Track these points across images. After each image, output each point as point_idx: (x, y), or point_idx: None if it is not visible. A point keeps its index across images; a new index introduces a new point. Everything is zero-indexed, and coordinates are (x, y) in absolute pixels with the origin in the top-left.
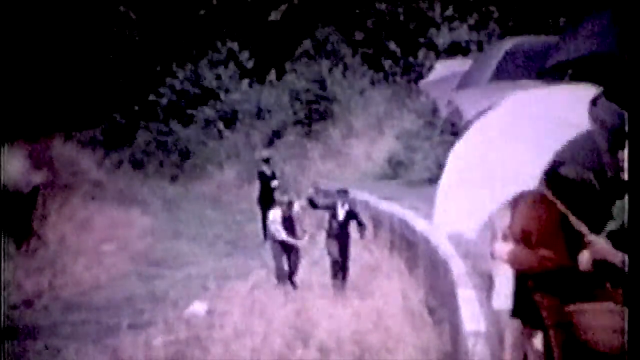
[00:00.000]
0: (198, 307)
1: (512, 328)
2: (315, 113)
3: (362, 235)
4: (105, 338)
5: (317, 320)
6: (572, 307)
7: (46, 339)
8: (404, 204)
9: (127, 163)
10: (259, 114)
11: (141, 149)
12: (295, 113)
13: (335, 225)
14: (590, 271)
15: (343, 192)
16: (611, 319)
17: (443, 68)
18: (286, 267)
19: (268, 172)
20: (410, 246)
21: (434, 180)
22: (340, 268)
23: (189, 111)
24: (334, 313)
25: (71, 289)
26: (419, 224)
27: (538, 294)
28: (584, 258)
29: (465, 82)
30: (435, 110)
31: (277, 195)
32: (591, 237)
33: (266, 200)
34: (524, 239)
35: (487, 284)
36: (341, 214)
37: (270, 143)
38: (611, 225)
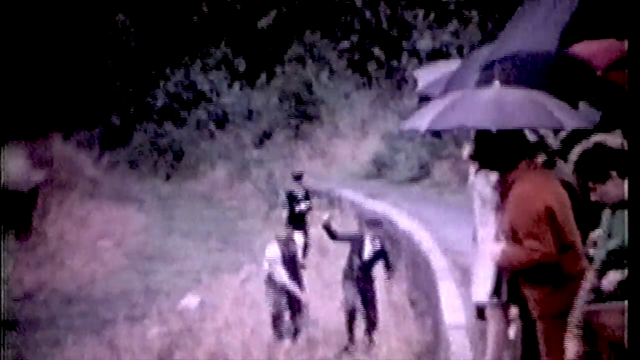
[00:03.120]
0: (191, 300)
1: (495, 322)
2: (302, 115)
3: (390, 276)
4: (102, 330)
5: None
6: (593, 307)
7: (45, 331)
8: (387, 202)
9: (123, 162)
10: (249, 115)
11: (136, 149)
12: (283, 115)
13: (357, 264)
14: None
15: (374, 224)
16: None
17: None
18: (287, 318)
19: (299, 193)
20: (392, 242)
21: (416, 179)
22: (364, 319)
23: (182, 113)
24: (321, 306)
25: (69, 283)
26: (402, 221)
27: (527, 286)
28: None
29: (449, 86)
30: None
31: (308, 219)
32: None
33: (298, 226)
34: (512, 234)
35: (467, 279)
36: (368, 251)
37: (260, 143)
38: (611, 244)
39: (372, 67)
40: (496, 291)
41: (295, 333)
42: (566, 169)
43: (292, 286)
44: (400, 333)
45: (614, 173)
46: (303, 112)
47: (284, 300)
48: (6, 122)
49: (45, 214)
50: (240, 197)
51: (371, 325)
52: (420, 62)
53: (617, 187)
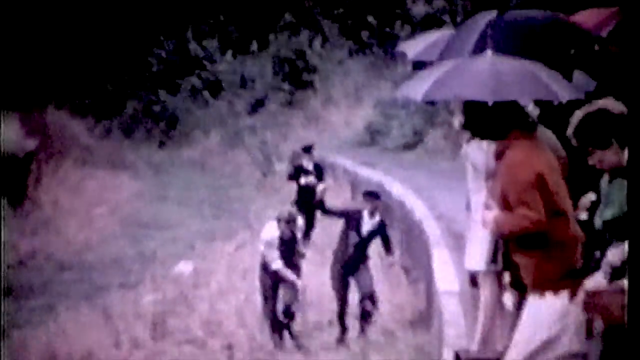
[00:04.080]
0: (184, 267)
1: (487, 288)
2: (296, 83)
3: (391, 261)
4: (96, 296)
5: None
6: (588, 289)
7: (40, 297)
8: (380, 169)
9: (117, 130)
10: (243, 83)
11: (130, 116)
12: (277, 82)
13: (351, 242)
14: None
15: (372, 196)
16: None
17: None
18: (281, 310)
19: (310, 167)
20: (386, 209)
21: (409, 146)
22: (358, 306)
23: (176, 81)
24: (314, 272)
25: (63, 249)
26: (395, 188)
27: (517, 254)
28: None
29: (446, 52)
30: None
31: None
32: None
33: (307, 203)
34: (503, 201)
35: (460, 245)
36: (366, 228)
37: (253, 111)
38: (607, 213)
39: (365, 34)
40: (493, 259)
41: (289, 323)
42: (549, 135)
43: (286, 271)
44: (393, 300)
45: (613, 140)
46: (296, 79)
47: (277, 292)
48: (0, 92)
49: (39, 181)
50: (234, 164)
51: (366, 314)
52: (414, 29)
53: (616, 154)
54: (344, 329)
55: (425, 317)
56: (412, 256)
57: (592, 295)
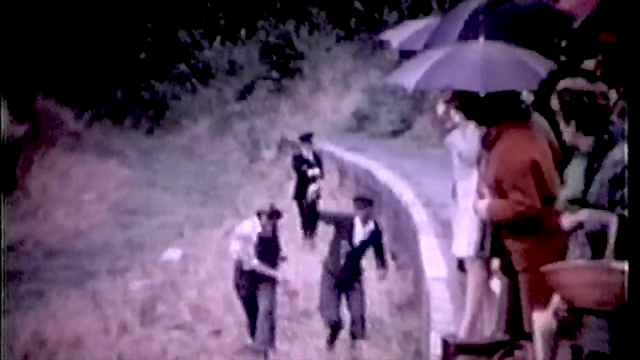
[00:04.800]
0: (173, 253)
1: (475, 274)
2: (284, 69)
3: (382, 275)
4: (86, 282)
5: (284, 265)
6: (546, 268)
7: (29, 283)
8: (368, 155)
9: (106, 117)
10: (231, 70)
11: (119, 103)
12: (265, 70)
13: (345, 250)
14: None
15: (364, 202)
16: (587, 275)
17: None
18: (262, 316)
19: (308, 155)
20: (374, 195)
21: (397, 133)
22: (349, 327)
23: (165, 68)
24: (302, 258)
25: (53, 236)
26: (383, 174)
27: (509, 239)
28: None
29: (432, 40)
30: (399, 65)
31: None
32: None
33: (305, 196)
34: (497, 188)
35: (447, 231)
36: (359, 236)
37: (241, 98)
38: (564, 194)
39: (352, 20)
40: (481, 246)
41: (271, 329)
42: (543, 122)
43: (263, 267)
44: (381, 285)
45: (572, 120)
46: (284, 66)
47: (255, 294)
48: None
49: (28, 168)
50: (222, 150)
51: (357, 334)
52: (401, 15)
53: (572, 134)
54: (334, 335)
55: (413, 303)
56: (399, 242)
57: (550, 273)
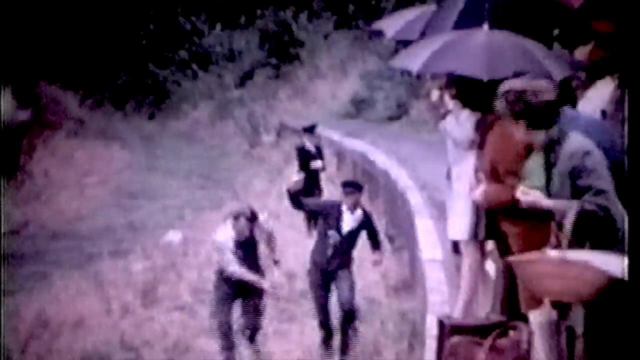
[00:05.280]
0: (173, 236)
1: (470, 256)
2: (283, 56)
3: (376, 262)
4: (88, 265)
5: (284, 248)
6: (511, 259)
7: (33, 265)
8: (365, 140)
9: (108, 102)
10: (231, 57)
11: (121, 89)
12: (264, 56)
13: (330, 243)
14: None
15: (352, 187)
16: (547, 266)
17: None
18: (236, 327)
19: (311, 147)
20: (371, 179)
21: (394, 118)
22: (340, 324)
23: (166, 54)
24: (300, 241)
25: (55, 219)
26: (379, 159)
27: (505, 222)
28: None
29: (428, 28)
30: (396, 52)
31: (322, 180)
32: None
33: (308, 188)
34: (493, 173)
35: (443, 214)
36: (347, 224)
37: (241, 84)
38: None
39: (350, 7)
40: (474, 229)
41: (253, 335)
42: None
43: (245, 273)
44: (378, 267)
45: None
46: (283, 53)
47: (232, 304)
48: None
49: (31, 153)
50: (222, 135)
51: (347, 331)
52: (398, 3)
53: (521, 132)
54: (329, 333)
55: (409, 285)
56: (396, 225)
57: (515, 264)
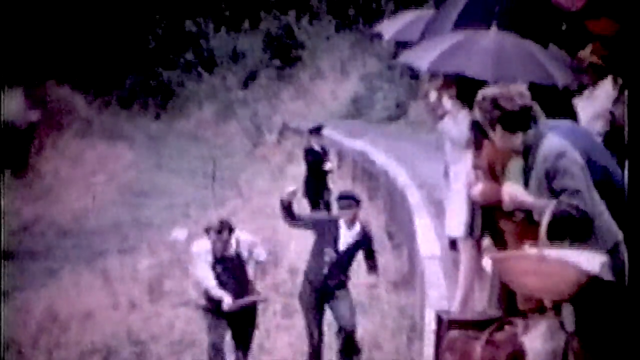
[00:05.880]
0: (179, 233)
1: (467, 253)
2: (285, 58)
3: (371, 285)
4: (96, 260)
5: (286, 243)
6: (492, 256)
7: (42, 261)
8: (365, 140)
9: (115, 103)
10: (235, 59)
11: (128, 90)
12: (267, 58)
13: (326, 261)
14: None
15: (349, 199)
16: (525, 263)
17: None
18: (229, 352)
19: (319, 149)
20: (370, 177)
21: (393, 118)
22: (339, 346)
23: (172, 56)
24: (302, 235)
25: (64, 216)
26: (379, 158)
27: (502, 220)
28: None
29: (428, 30)
30: (395, 54)
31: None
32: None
33: (316, 191)
34: (490, 172)
35: (440, 211)
36: (344, 241)
37: (245, 85)
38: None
39: (351, 11)
40: (471, 226)
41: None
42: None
43: (215, 289)
44: (378, 263)
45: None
46: (286, 55)
47: (225, 328)
48: (5, 68)
49: (41, 152)
50: (226, 135)
51: (347, 353)
52: (398, 6)
53: (499, 138)
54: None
55: (408, 280)
56: (395, 222)
57: (496, 261)
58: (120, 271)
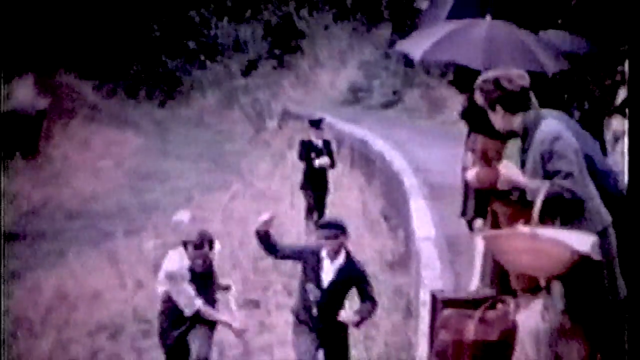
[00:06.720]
0: (183, 215)
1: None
2: (286, 47)
3: (359, 322)
4: (103, 242)
5: (287, 228)
6: (484, 233)
7: (51, 243)
8: (363, 126)
9: (122, 90)
10: (237, 47)
11: (134, 78)
12: (268, 47)
13: (312, 299)
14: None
15: (333, 230)
16: (518, 241)
17: None
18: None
19: (318, 142)
20: (368, 162)
21: (389, 105)
22: None
23: (176, 45)
24: (302, 221)
25: (73, 199)
26: (376, 143)
27: (496, 203)
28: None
29: (422, 20)
30: (391, 43)
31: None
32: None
33: (317, 185)
34: (484, 157)
35: (436, 195)
36: (328, 275)
37: (247, 73)
38: None
39: (349, 1)
40: (463, 208)
41: None
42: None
43: (214, 314)
44: (374, 245)
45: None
46: (286, 44)
47: (187, 331)
48: (15, 56)
49: (50, 137)
50: (229, 121)
51: None
52: None
53: (499, 118)
54: None
55: (404, 261)
56: (391, 205)
57: (488, 239)
58: (126, 252)
